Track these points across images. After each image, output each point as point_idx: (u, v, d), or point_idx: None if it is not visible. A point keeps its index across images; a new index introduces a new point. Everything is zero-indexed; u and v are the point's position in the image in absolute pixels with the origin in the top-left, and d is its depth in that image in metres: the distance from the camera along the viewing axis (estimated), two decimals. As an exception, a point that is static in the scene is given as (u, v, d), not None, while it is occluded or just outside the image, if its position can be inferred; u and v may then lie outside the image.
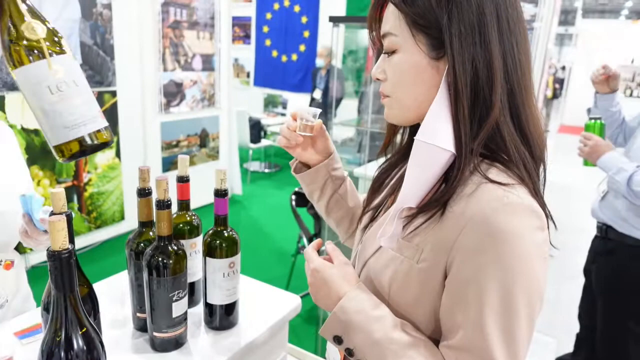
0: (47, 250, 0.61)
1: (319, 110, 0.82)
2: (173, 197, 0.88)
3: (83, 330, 0.66)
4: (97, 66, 3.23)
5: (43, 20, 0.69)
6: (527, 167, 0.65)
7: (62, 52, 0.69)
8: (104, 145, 0.73)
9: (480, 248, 0.59)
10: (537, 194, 0.65)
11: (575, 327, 2.15)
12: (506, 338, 0.59)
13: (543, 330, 2.68)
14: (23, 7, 0.67)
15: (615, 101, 1.83)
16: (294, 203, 2.59)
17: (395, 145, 0.83)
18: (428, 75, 0.66)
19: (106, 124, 0.74)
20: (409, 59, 0.66)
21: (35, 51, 0.67)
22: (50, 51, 0.68)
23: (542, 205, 0.64)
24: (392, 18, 0.67)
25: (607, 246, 1.74)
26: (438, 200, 0.64)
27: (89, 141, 0.70)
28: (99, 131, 0.71)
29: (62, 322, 0.64)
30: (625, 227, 1.65)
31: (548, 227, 0.64)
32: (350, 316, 0.67)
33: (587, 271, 1.95)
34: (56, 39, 0.69)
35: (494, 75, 0.62)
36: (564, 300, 2.95)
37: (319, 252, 0.79)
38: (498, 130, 0.64)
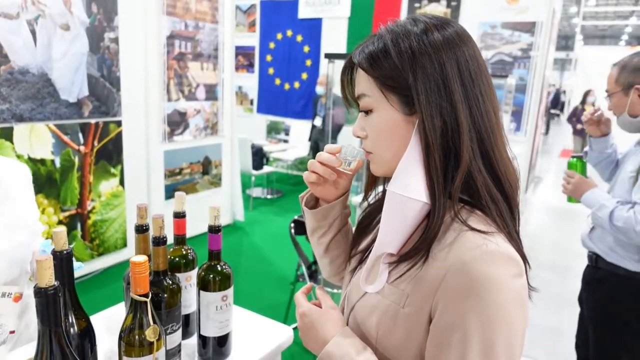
0: (34, 286, 0.65)
1: (363, 151, 0.77)
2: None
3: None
4: (104, 97, 3.33)
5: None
6: (501, 211, 0.68)
7: (161, 344, 0.83)
8: None
9: (461, 295, 0.62)
10: (513, 239, 0.67)
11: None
12: None
13: (544, 358, 2.67)
14: (150, 311, 0.80)
15: (609, 143, 1.86)
16: (293, 231, 2.62)
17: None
18: (404, 131, 0.69)
19: None
20: (385, 117, 0.70)
21: (147, 348, 0.80)
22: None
23: (519, 249, 0.67)
24: (363, 81, 0.72)
25: (597, 275, 1.76)
26: (419, 247, 0.67)
27: None
28: None
29: (47, 356, 0.67)
30: (614, 257, 1.68)
31: (526, 272, 0.66)
32: None
33: (580, 300, 1.96)
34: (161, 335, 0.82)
35: (461, 125, 0.66)
36: (566, 328, 2.94)
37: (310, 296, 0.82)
38: (470, 176, 0.67)
